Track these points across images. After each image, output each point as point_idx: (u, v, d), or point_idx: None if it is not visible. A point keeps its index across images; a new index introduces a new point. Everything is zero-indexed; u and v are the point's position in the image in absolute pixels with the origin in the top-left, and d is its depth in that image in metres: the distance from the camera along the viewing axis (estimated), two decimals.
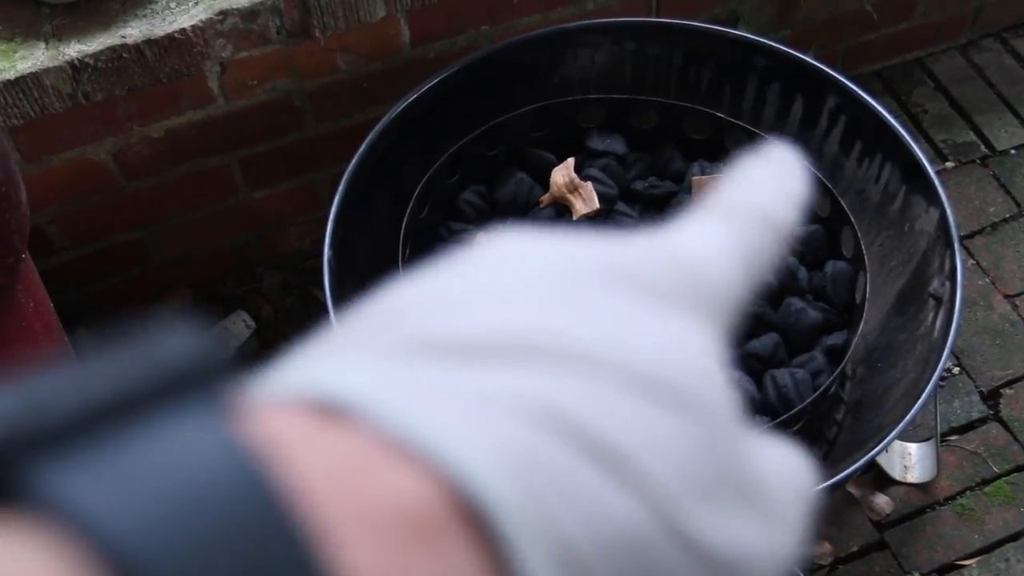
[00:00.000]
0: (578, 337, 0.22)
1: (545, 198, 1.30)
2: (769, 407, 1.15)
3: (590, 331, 0.22)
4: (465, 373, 0.21)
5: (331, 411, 0.20)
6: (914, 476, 1.46)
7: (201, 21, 1.27)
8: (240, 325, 1.61)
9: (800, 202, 0.29)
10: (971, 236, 1.73)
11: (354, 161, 1.22)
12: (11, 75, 1.21)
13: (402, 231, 1.20)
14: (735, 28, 1.47)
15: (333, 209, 1.19)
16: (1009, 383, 1.57)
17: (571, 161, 1.30)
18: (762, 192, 0.28)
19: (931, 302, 1.18)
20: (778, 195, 0.28)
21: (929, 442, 1.46)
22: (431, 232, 1.30)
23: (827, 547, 1.40)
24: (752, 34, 1.37)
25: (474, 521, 0.19)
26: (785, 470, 0.26)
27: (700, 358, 0.23)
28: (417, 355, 0.21)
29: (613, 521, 0.20)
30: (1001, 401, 1.55)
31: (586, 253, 0.24)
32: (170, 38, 1.26)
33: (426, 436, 0.19)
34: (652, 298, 0.24)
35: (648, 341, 0.22)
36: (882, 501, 1.44)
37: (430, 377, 0.21)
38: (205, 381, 0.19)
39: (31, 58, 1.23)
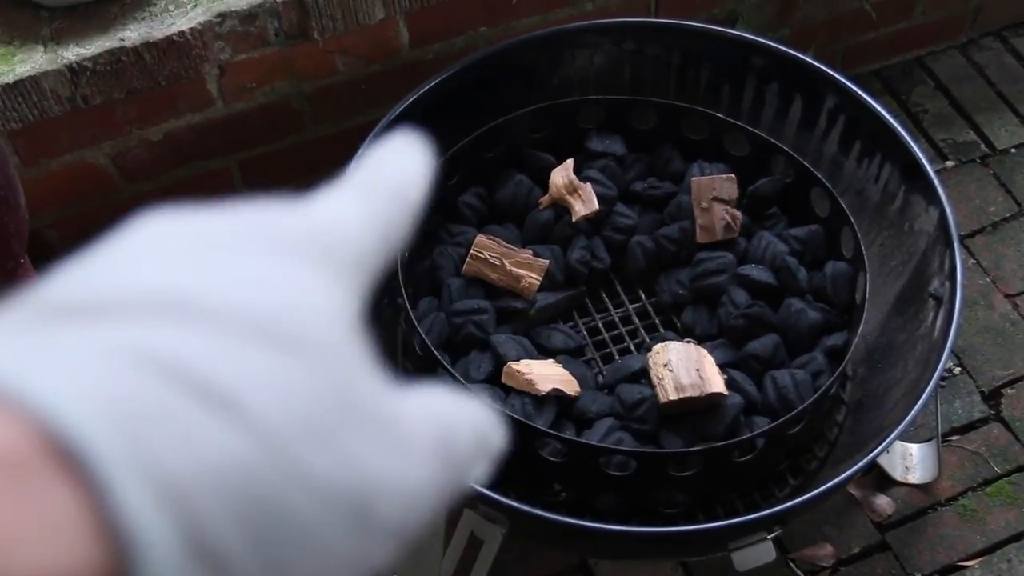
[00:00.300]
0: (197, 292, 0.24)
1: (544, 200, 1.30)
2: (769, 408, 1.15)
3: (210, 286, 0.24)
4: (83, 331, 0.22)
5: None
6: (915, 477, 1.46)
7: (199, 24, 1.27)
8: None
9: (422, 179, 0.32)
10: (971, 235, 1.72)
11: (352, 163, 1.22)
12: (9, 79, 1.21)
13: None
14: (734, 28, 1.47)
15: None
16: (1010, 383, 1.56)
17: (570, 162, 1.29)
18: (388, 170, 0.31)
19: (931, 302, 1.18)
20: (403, 172, 0.31)
21: (930, 442, 1.46)
22: (430, 235, 1.30)
23: (828, 549, 1.40)
24: (751, 34, 1.36)
25: (67, 461, 0.20)
26: (431, 411, 0.28)
27: (321, 308, 0.25)
28: (45, 321, 0.23)
29: (220, 455, 0.22)
30: (1002, 401, 1.55)
31: (220, 221, 0.26)
32: (168, 41, 1.26)
33: (18, 386, 0.20)
34: (280, 257, 0.26)
35: (267, 292, 0.24)
36: (883, 502, 1.44)
37: (45, 338, 0.22)
38: None
39: (29, 61, 1.23)
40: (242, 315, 0.23)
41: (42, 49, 1.24)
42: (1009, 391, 1.56)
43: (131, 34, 1.25)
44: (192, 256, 0.25)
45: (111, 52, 1.24)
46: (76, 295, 0.23)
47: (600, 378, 1.23)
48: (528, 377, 1.12)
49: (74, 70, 1.23)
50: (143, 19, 1.27)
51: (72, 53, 1.23)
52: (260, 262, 0.25)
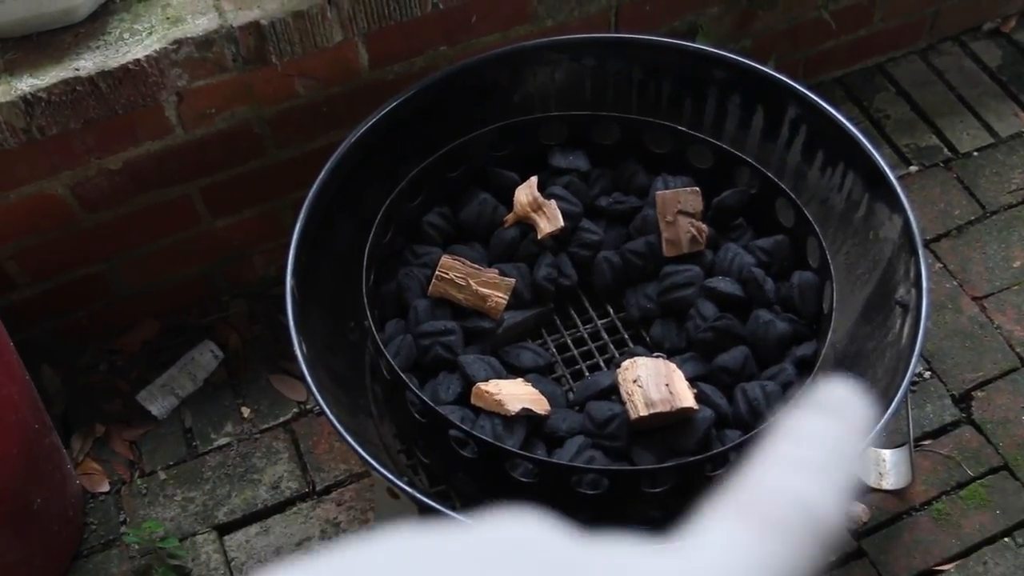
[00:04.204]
0: None
1: (509, 218, 1.30)
2: (740, 421, 1.15)
3: None
4: None
5: None
6: (889, 483, 1.46)
7: (155, 51, 1.25)
8: (208, 356, 1.59)
9: (854, 480, 0.25)
10: (937, 239, 1.73)
11: (314, 187, 1.21)
12: None
13: (366, 256, 1.19)
14: (694, 41, 1.47)
15: (294, 236, 1.17)
16: (980, 385, 1.57)
17: (534, 180, 1.29)
18: (801, 473, 0.23)
19: (898, 309, 1.18)
20: (823, 474, 0.23)
21: (903, 448, 1.46)
22: (395, 256, 1.29)
23: None
24: (711, 46, 1.37)
25: None
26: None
27: None
28: None
29: None
30: (973, 404, 1.55)
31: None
32: (124, 69, 1.24)
33: None
34: None
35: None
36: (858, 509, 1.44)
37: None
38: None
39: None
40: None
41: None
42: (979, 394, 1.56)
43: (86, 63, 1.24)
44: None
45: (66, 82, 1.22)
46: None
47: (570, 395, 1.23)
48: (497, 397, 1.11)
49: (28, 101, 1.22)
50: (98, 48, 1.25)
51: (26, 84, 1.22)
52: None
